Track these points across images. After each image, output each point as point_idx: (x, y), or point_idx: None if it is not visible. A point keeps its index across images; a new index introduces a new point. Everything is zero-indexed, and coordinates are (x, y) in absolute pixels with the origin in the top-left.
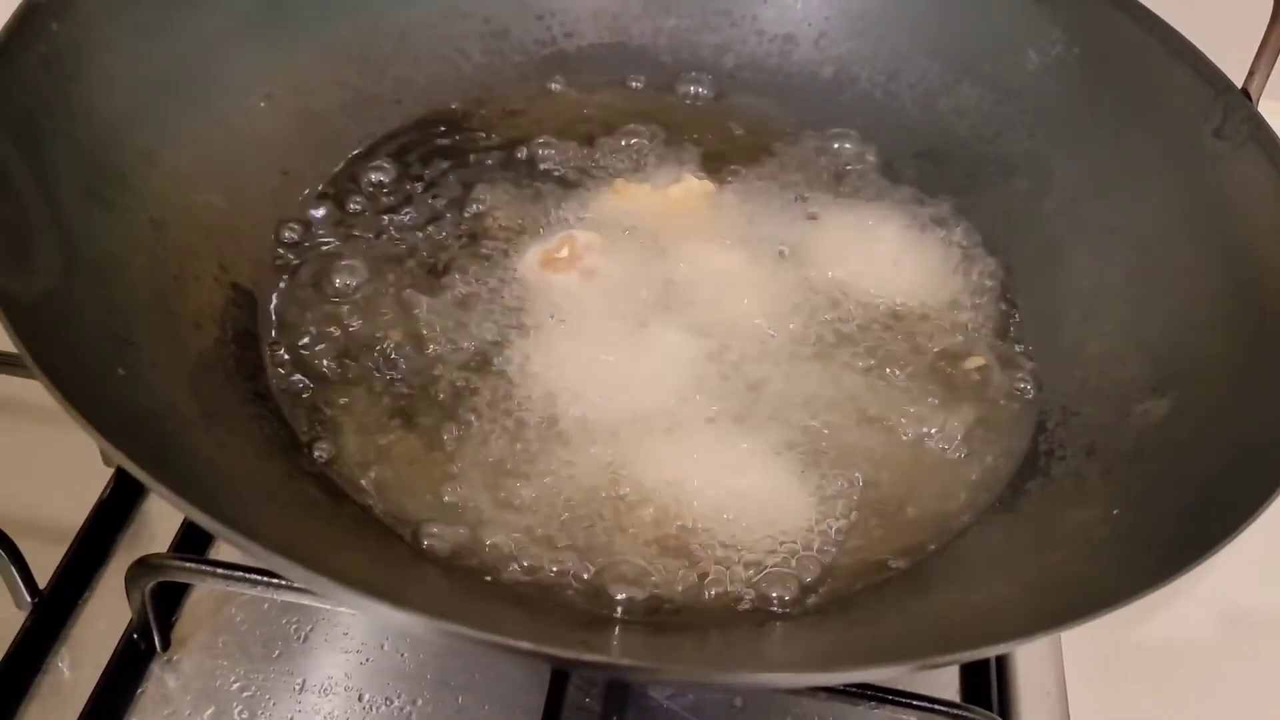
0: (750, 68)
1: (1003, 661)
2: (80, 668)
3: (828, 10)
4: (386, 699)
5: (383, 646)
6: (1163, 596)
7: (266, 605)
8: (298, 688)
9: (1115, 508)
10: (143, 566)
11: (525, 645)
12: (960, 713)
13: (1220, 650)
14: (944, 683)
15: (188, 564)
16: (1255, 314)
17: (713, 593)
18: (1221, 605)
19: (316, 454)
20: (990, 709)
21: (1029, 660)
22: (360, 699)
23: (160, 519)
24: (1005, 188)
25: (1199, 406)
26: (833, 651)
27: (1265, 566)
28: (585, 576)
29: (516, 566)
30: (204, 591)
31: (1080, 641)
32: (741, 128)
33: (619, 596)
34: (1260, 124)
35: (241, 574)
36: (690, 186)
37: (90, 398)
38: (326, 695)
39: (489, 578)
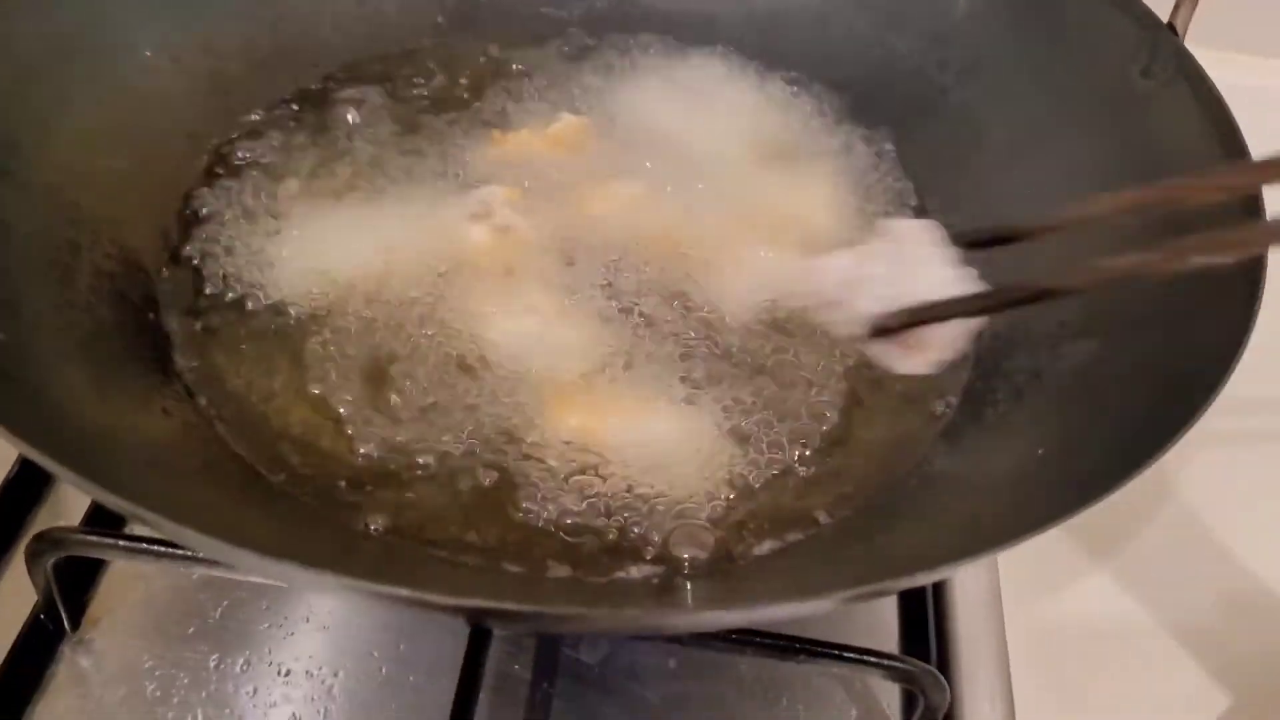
0: (677, 17)
1: (941, 613)
2: None
3: None
4: (308, 672)
5: (307, 620)
6: (1096, 565)
7: (183, 582)
8: (215, 665)
9: (1040, 448)
10: (43, 541)
11: (439, 599)
12: (898, 665)
13: (1157, 619)
14: (882, 637)
15: (89, 537)
16: None
17: (630, 538)
18: (1159, 577)
19: (219, 425)
20: (929, 662)
21: (968, 612)
22: (281, 672)
23: (73, 497)
24: (936, 137)
25: (1122, 348)
26: (758, 593)
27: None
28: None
29: (426, 523)
30: (119, 569)
31: (1018, 605)
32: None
33: (534, 546)
34: (1186, 58)
35: (146, 546)
36: (569, 124)
37: None
38: (246, 670)
39: (399, 537)
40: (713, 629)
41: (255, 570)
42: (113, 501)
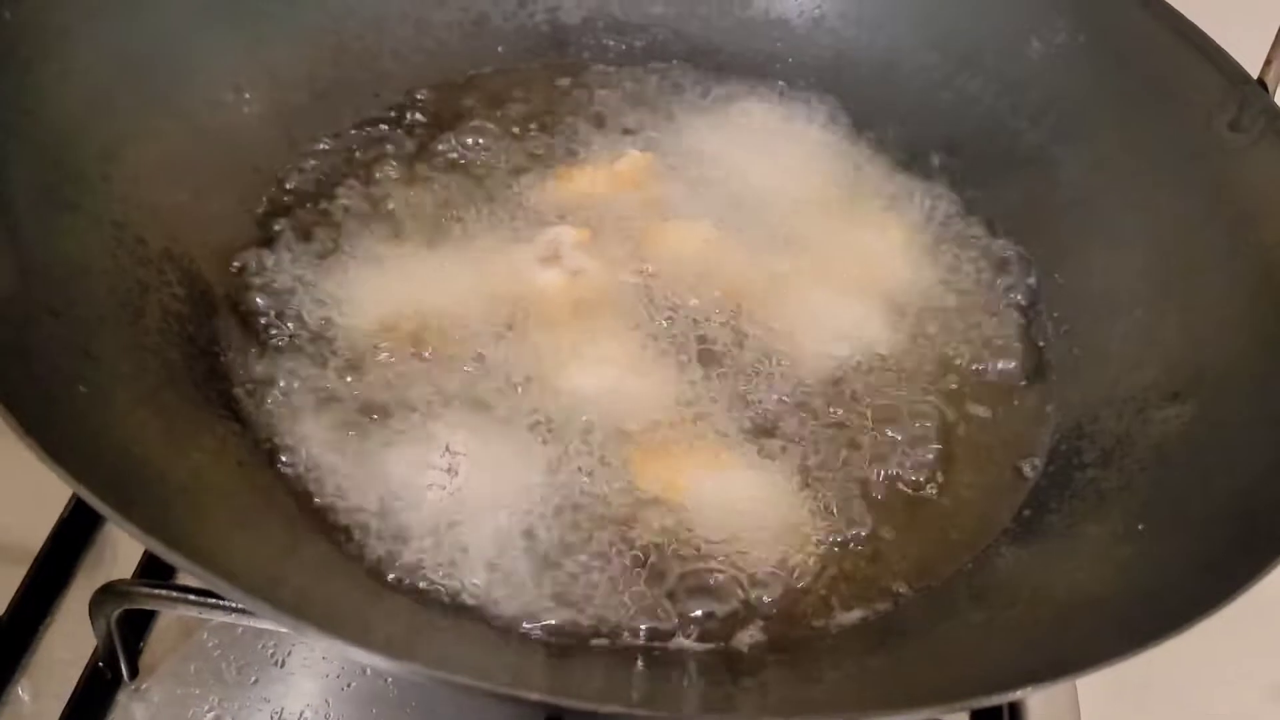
0: (742, 55)
1: None
2: (42, 698)
3: None
4: None
5: (365, 672)
6: None
7: (240, 629)
8: (275, 716)
9: (1139, 522)
10: (108, 593)
11: (533, 696)
12: None
13: (1238, 662)
14: None
15: (155, 590)
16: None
17: (706, 620)
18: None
19: (290, 473)
20: None
21: None
22: None
23: (124, 540)
24: (1012, 183)
25: (1223, 413)
26: (847, 692)
27: None
28: (579, 610)
29: (504, 601)
30: (173, 616)
31: None
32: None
33: (613, 631)
34: (1278, 116)
35: (213, 600)
36: (634, 161)
37: (50, 423)
38: None
39: (474, 608)
40: None
41: (336, 652)
42: (186, 565)
